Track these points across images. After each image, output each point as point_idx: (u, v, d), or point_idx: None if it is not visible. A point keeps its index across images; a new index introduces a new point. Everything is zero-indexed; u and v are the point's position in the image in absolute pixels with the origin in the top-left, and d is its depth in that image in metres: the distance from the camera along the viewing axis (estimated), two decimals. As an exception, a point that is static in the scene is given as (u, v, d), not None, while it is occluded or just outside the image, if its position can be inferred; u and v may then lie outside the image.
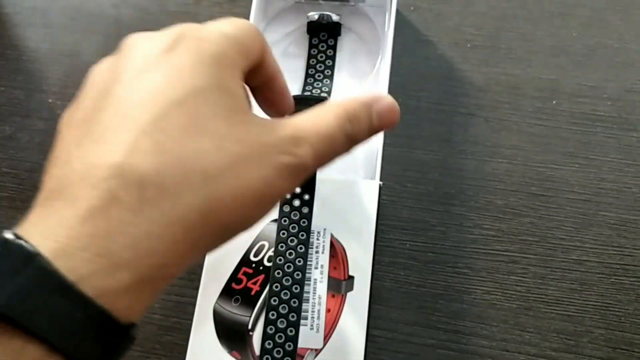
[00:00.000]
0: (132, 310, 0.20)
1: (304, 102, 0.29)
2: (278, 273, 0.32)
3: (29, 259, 0.18)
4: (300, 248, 0.33)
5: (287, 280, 0.32)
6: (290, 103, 0.28)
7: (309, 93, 0.39)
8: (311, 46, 0.41)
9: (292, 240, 0.33)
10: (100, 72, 0.23)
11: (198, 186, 0.20)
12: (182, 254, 0.21)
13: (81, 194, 0.19)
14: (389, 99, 0.25)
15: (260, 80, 0.26)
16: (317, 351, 0.32)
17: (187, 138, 0.21)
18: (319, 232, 0.33)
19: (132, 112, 0.21)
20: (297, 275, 0.32)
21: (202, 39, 0.23)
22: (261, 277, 0.33)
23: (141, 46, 0.23)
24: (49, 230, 0.19)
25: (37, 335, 0.18)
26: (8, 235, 0.19)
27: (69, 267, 0.18)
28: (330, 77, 0.40)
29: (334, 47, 0.41)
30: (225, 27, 0.24)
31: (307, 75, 0.40)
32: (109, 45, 0.48)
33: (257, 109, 0.26)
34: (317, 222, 0.33)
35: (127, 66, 0.22)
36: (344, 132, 0.24)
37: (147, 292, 0.20)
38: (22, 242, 0.18)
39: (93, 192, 0.19)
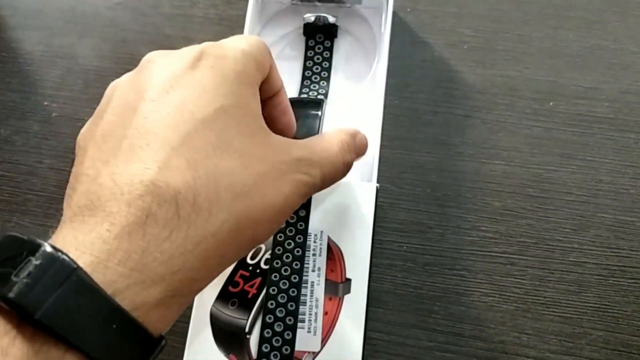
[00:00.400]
0: (161, 322, 0.21)
1: (300, 104, 0.29)
2: (275, 276, 0.32)
3: (70, 272, 0.18)
4: (297, 251, 0.32)
5: (284, 283, 0.32)
6: (292, 122, 0.29)
7: (305, 95, 0.39)
8: (307, 48, 0.41)
9: (289, 243, 0.33)
10: (121, 88, 0.23)
11: (228, 203, 0.21)
12: (213, 267, 0.22)
13: (116, 210, 0.20)
14: (363, 134, 0.30)
15: (265, 95, 0.27)
16: (315, 354, 0.32)
17: (216, 156, 0.21)
18: (316, 235, 0.33)
19: (161, 130, 0.21)
20: (294, 278, 0.32)
21: (222, 57, 0.23)
22: (258, 280, 0.33)
23: (162, 63, 0.23)
24: (84, 245, 0.19)
25: (75, 346, 0.18)
26: (48, 248, 0.19)
27: (105, 281, 0.19)
28: (327, 79, 0.40)
29: (330, 49, 0.41)
30: (241, 44, 0.25)
31: (303, 78, 0.40)
32: (105, 47, 0.48)
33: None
34: (314, 224, 0.33)
35: (151, 83, 0.23)
36: (344, 160, 0.27)
37: (177, 306, 0.21)
38: (61, 255, 0.19)
39: (128, 209, 0.20)
